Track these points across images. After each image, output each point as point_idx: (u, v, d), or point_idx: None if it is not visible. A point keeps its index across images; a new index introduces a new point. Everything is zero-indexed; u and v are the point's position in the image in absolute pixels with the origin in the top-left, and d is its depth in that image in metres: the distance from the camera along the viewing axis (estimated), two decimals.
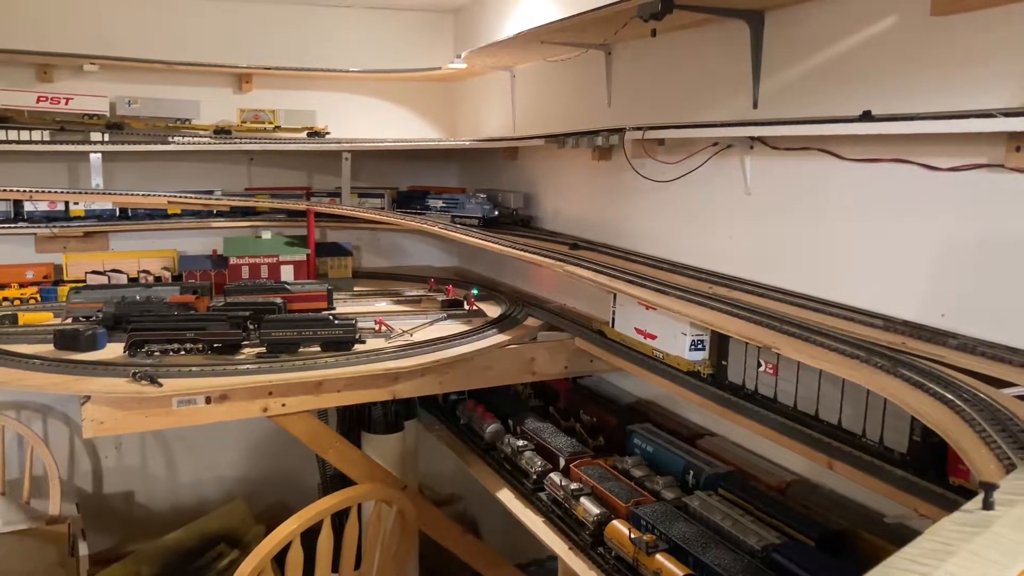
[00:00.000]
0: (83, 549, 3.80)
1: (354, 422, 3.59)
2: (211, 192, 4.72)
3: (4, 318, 3.55)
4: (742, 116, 2.81)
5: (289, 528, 2.65)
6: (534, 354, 3.37)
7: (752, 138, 2.79)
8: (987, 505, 0.85)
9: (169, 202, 4.39)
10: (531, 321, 3.64)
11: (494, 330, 3.43)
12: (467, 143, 4.38)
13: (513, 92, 4.52)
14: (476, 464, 3.24)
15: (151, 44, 4.58)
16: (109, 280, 4.24)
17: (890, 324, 2.23)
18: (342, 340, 3.14)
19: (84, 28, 4.47)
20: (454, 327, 3.51)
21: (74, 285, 3.90)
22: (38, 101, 4.34)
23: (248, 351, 3.15)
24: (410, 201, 4.89)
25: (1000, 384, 1.80)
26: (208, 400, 2.87)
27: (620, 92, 3.60)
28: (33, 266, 4.33)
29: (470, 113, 5.16)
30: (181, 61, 4.59)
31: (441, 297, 4.03)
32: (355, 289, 4.37)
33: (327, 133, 4.81)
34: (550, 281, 4.16)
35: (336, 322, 3.16)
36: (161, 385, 2.74)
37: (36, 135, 4.33)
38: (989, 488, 0.86)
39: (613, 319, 3.14)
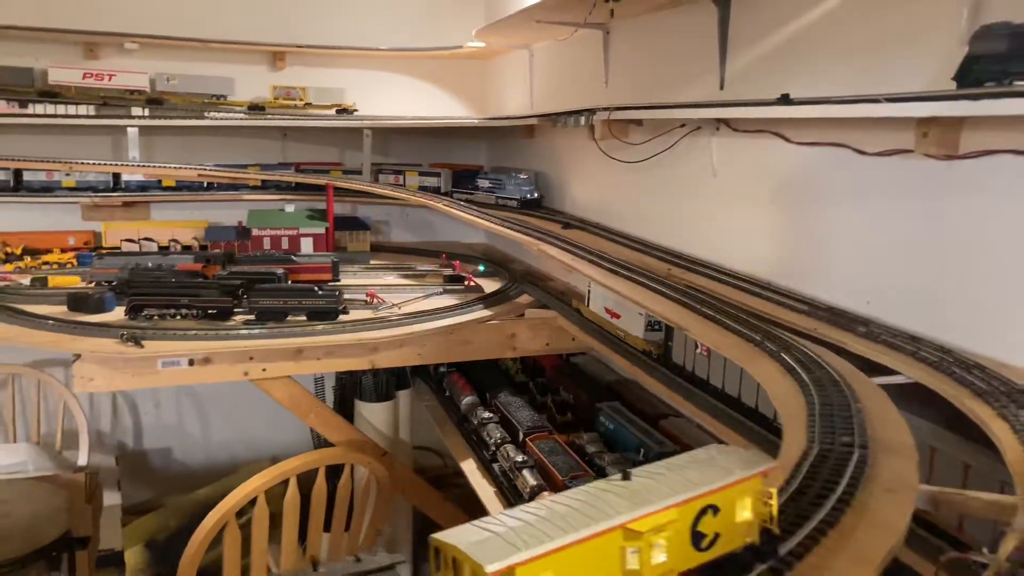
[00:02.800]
0: (111, 499, 4.08)
1: (351, 390, 3.72)
2: (246, 166, 4.93)
3: (36, 280, 3.82)
4: (710, 98, 2.79)
5: (252, 486, 2.81)
6: (515, 330, 3.43)
7: (718, 120, 2.77)
8: (625, 475, 0.90)
9: (199, 175, 4.61)
10: (524, 298, 3.70)
11: (480, 305, 3.51)
12: (476, 121, 4.45)
13: (531, 70, 4.55)
14: (450, 434, 3.33)
15: (190, 23, 4.78)
16: (140, 248, 4.49)
17: (814, 310, 2.22)
18: (325, 310, 3.27)
19: (127, 8, 4.70)
20: (446, 301, 3.60)
21: (110, 251, 4.15)
22: (84, 77, 4.61)
23: (240, 318, 3.32)
24: (464, 181, 4.90)
25: (884, 372, 1.79)
26: (191, 362, 3.05)
27: (616, 72, 3.60)
28: (75, 233, 4.63)
29: (496, 91, 5.21)
30: (218, 39, 4.79)
31: (448, 272, 4.12)
32: (371, 263, 4.50)
33: (355, 110, 4.95)
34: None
35: (320, 292, 3.29)
36: (143, 347, 2.93)
37: (82, 109, 4.61)
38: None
39: (588, 298, 3.17)
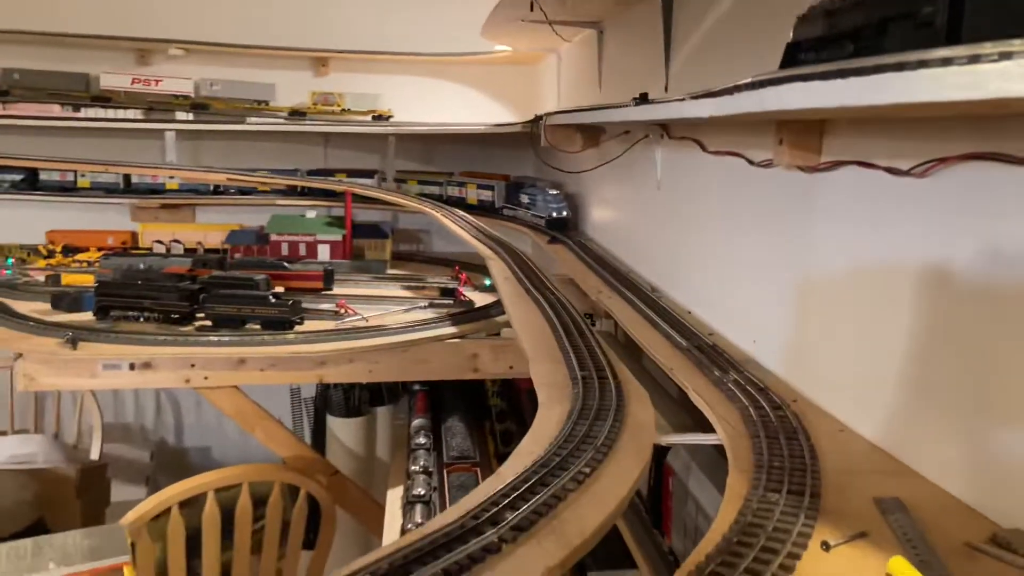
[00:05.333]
0: (135, 494, 4.15)
1: (323, 404, 3.61)
2: (294, 171, 4.94)
3: (49, 278, 3.94)
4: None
5: (161, 498, 2.73)
6: (477, 351, 3.20)
7: (661, 126, 2.45)
8: None
9: (228, 179, 4.66)
10: (505, 317, 3.45)
11: (448, 322, 3.29)
12: (482, 127, 4.23)
13: (559, 74, 4.30)
14: (397, 457, 3.14)
15: (234, 29, 4.85)
16: (168, 249, 4.57)
17: (698, 345, 1.88)
18: (278, 319, 3.17)
19: (174, 15, 4.82)
20: (421, 316, 3.42)
21: (121, 252, 4.25)
22: (133, 83, 4.77)
23: (201, 324, 3.27)
24: (516, 192, 4.66)
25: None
26: (132, 367, 3.02)
27: (609, 74, 3.30)
28: (114, 232, 4.79)
29: (536, 98, 4.97)
30: (261, 45, 4.84)
31: (449, 285, 3.93)
32: (386, 272, 4.37)
33: (390, 116, 4.86)
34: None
35: (273, 301, 3.18)
36: (75, 348, 2.92)
37: (130, 114, 4.77)
38: None
39: None
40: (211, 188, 4.91)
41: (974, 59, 0.71)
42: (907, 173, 1.25)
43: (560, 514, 1.13)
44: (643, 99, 1.81)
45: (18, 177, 4.79)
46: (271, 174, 4.76)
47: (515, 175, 4.82)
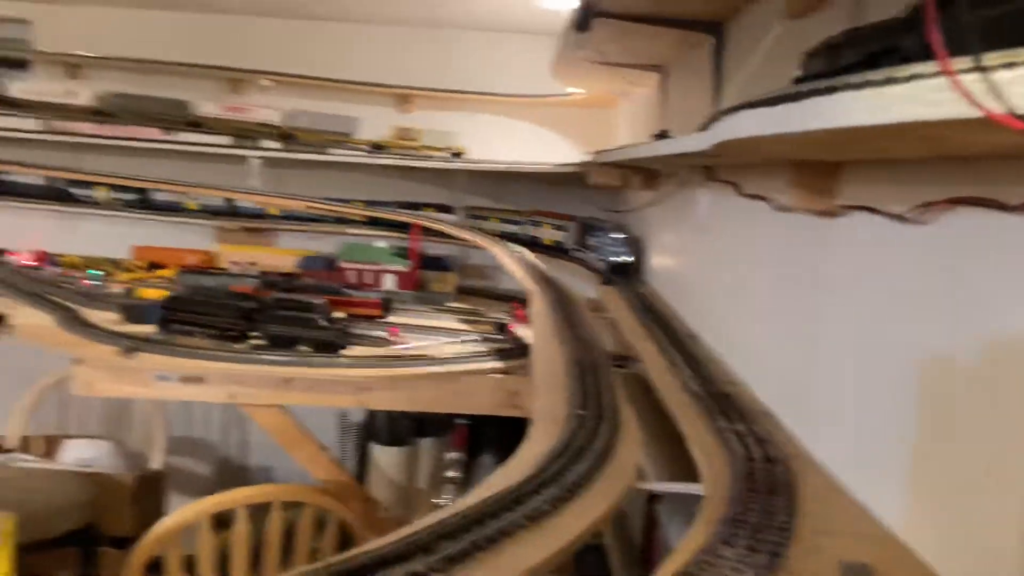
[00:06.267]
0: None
1: (368, 431, 3.63)
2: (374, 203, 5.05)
3: (129, 290, 4.12)
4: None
5: (191, 511, 2.78)
6: (519, 388, 3.16)
7: (705, 168, 2.40)
8: None
9: (307, 206, 4.79)
10: None
11: (493, 357, 3.28)
12: (545, 167, 4.23)
13: (630, 117, 4.28)
14: (430, 490, 3.12)
15: (322, 64, 5.02)
16: (243, 270, 4.72)
17: (711, 392, 1.81)
18: (326, 342, 3.21)
19: (266, 48, 5.03)
20: (470, 348, 3.41)
21: (197, 271, 4.41)
22: (224, 110, 4.98)
23: (256, 342, 3.35)
24: (586, 234, 4.60)
25: None
26: (183, 379, 3.10)
27: (671, 116, 3.26)
28: (194, 252, 4.97)
29: (608, 140, 4.94)
30: (346, 80, 4.99)
31: (505, 320, 3.93)
32: (448, 304, 4.40)
33: (463, 153, 4.93)
34: None
35: (322, 323, 3.23)
36: (131, 357, 3.03)
37: (221, 139, 4.98)
38: None
39: None
40: (295, 215, 5.07)
41: (888, 81, 0.66)
42: (902, 218, 1.17)
43: (504, 549, 1.09)
44: (661, 136, 1.77)
45: (133, 196, 5.06)
46: (346, 204, 4.88)
47: (579, 216, 4.80)
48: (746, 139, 0.89)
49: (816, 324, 1.53)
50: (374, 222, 4.96)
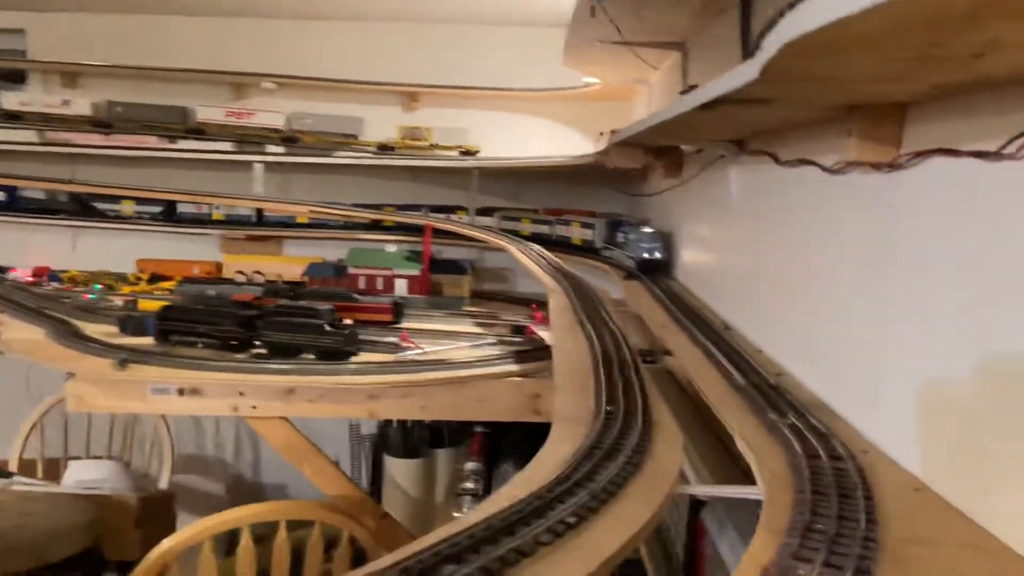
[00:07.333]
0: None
1: (382, 443, 3.43)
2: (379, 207, 4.87)
3: (129, 303, 3.95)
4: None
5: (193, 531, 2.59)
6: (539, 391, 2.95)
7: (735, 143, 2.19)
8: None
9: (310, 211, 4.61)
10: None
11: (510, 359, 3.07)
12: (561, 160, 4.03)
13: (650, 105, 4.07)
14: (448, 502, 2.91)
15: (325, 64, 4.85)
16: (248, 279, 4.54)
17: (757, 384, 1.59)
18: (332, 349, 3.02)
19: (266, 50, 4.87)
20: (485, 352, 3.21)
21: (198, 280, 4.23)
22: (226, 115, 4.82)
23: (258, 351, 3.16)
24: (614, 231, 4.34)
25: None
26: (181, 392, 2.91)
27: None
28: (200, 263, 4.80)
29: None
30: (351, 79, 4.82)
31: (523, 323, 3.72)
32: (463, 308, 4.21)
33: (477, 151, 4.73)
34: None
35: (328, 330, 3.04)
36: (124, 369, 2.84)
37: (223, 146, 4.82)
38: None
39: None
40: (297, 222, 4.89)
41: None
42: (998, 155, 0.96)
43: (522, 573, 0.88)
44: (691, 89, 1.57)
45: (157, 209, 4.90)
46: (355, 208, 4.70)
47: (600, 211, 4.59)
48: (823, 33, 0.68)
49: (886, 301, 1.31)
50: (383, 227, 4.78)
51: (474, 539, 0.90)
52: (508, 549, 0.89)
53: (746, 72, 0.99)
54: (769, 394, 1.53)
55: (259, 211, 4.90)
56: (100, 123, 4.74)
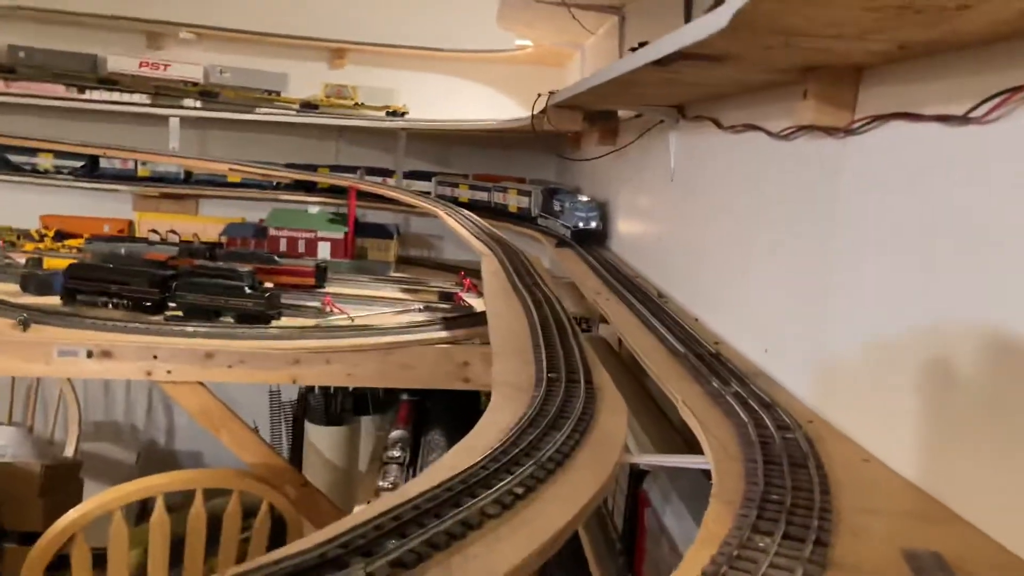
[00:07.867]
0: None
1: (302, 410, 3.33)
2: (314, 167, 4.70)
3: (31, 260, 3.72)
4: None
5: (100, 500, 2.46)
6: (468, 358, 2.89)
7: (676, 108, 2.15)
8: None
9: (230, 168, 4.43)
10: None
11: (438, 326, 3.00)
12: (493, 123, 3.95)
13: (583, 71, 4.02)
14: (371, 471, 2.85)
15: (248, 16, 4.64)
16: (163, 239, 4.34)
17: (698, 352, 1.56)
18: (252, 312, 2.90)
19: None
20: (414, 318, 3.13)
21: (111, 239, 4.03)
22: (140, 66, 4.58)
23: (173, 313, 3.01)
24: (551, 199, 4.21)
25: None
26: (90, 354, 2.76)
27: None
28: (111, 220, 4.57)
29: None
30: (275, 32, 4.62)
31: (450, 290, 3.65)
32: (389, 274, 4.11)
33: (405, 112, 4.61)
34: None
35: (248, 292, 2.91)
36: (26, 330, 2.67)
37: (137, 98, 4.58)
38: None
39: None
40: (216, 180, 4.69)
41: None
42: (965, 119, 0.93)
43: (465, 549, 0.82)
44: (642, 45, 1.52)
45: (79, 164, 4.61)
46: (286, 168, 4.54)
47: (531, 178, 4.54)
48: None
49: (830, 271, 1.29)
50: (308, 188, 4.63)
51: (418, 511, 0.84)
52: (455, 522, 0.83)
53: (712, 22, 0.94)
54: (711, 362, 1.50)
55: (187, 171, 4.68)
56: (1, 68, 4.44)
